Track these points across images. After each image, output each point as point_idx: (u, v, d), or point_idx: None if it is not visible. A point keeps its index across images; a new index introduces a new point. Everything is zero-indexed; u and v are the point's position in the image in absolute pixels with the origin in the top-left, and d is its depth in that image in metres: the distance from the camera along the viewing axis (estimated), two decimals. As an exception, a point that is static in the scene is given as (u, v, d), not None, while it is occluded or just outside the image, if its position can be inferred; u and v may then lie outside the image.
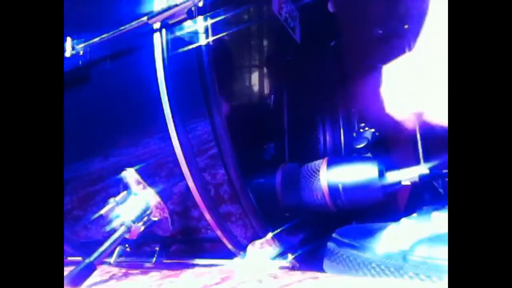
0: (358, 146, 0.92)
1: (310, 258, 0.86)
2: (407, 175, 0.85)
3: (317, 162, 0.91)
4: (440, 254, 0.59)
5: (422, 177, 0.84)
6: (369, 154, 0.93)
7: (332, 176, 0.86)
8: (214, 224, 0.79)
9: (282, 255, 0.81)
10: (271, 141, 1.27)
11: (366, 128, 0.96)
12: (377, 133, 0.95)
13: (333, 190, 0.85)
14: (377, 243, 0.68)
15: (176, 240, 0.88)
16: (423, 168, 0.85)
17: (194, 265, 0.86)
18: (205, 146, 0.76)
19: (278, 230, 0.82)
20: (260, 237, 0.80)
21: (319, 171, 0.88)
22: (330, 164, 0.88)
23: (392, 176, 0.85)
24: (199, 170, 0.76)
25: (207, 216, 0.78)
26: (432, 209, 0.76)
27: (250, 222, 0.79)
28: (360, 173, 0.85)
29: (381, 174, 0.84)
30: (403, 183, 0.85)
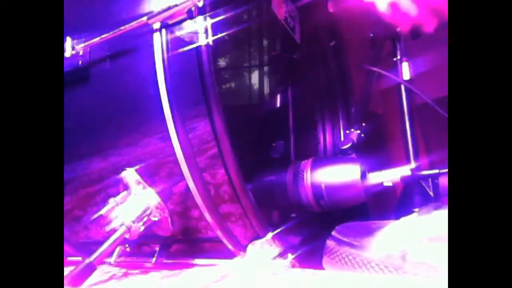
0: (344, 147, 0.94)
1: (310, 258, 0.86)
2: (389, 176, 0.86)
3: (303, 162, 0.92)
4: (440, 254, 0.59)
5: (404, 179, 0.86)
6: (353, 155, 0.94)
7: (316, 176, 0.88)
8: (214, 224, 0.79)
9: (282, 255, 0.81)
10: (279, 139, 1.28)
11: (352, 130, 0.98)
12: (362, 135, 0.97)
13: (316, 190, 0.87)
14: (377, 242, 0.68)
15: (176, 240, 0.88)
16: (405, 170, 0.86)
17: (194, 265, 0.86)
18: (205, 146, 0.76)
19: (278, 230, 0.82)
20: (260, 237, 0.80)
21: (304, 171, 0.89)
22: (314, 164, 0.90)
23: (374, 177, 0.86)
24: (199, 170, 0.76)
25: (207, 216, 0.78)
26: (433, 207, 0.76)
27: (250, 222, 0.79)
28: (342, 174, 0.87)
29: (363, 175, 0.85)
30: (385, 184, 0.86)
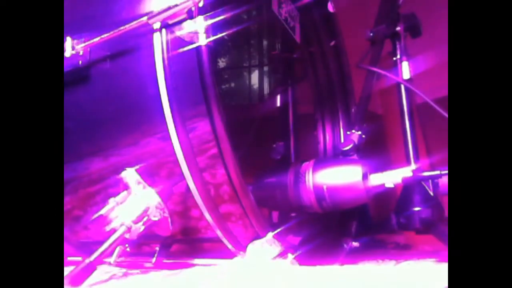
0: (345, 149, 0.94)
1: (310, 257, 0.86)
2: (391, 178, 0.86)
3: (304, 164, 0.92)
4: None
5: (405, 180, 0.86)
6: (354, 156, 0.94)
7: (317, 178, 0.88)
8: (214, 224, 0.79)
9: (282, 255, 0.81)
10: (280, 140, 1.28)
11: (353, 131, 0.98)
12: (363, 136, 0.97)
13: (318, 192, 0.87)
14: None
15: (176, 240, 0.88)
16: (406, 171, 0.86)
17: (194, 265, 0.86)
18: (205, 146, 0.76)
19: (278, 230, 0.82)
20: (260, 237, 0.80)
21: (305, 173, 0.89)
22: (316, 166, 0.90)
23: (375, 179, 0.86)
24: (199, 170, 0.76)
25: (207, 216, 0.78)
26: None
27: (250, 222, 0.79)
28: (344, 175, 0.87)
29: (365, 176, 0.85)
30: (387, 185, 0.86)
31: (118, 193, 0.77)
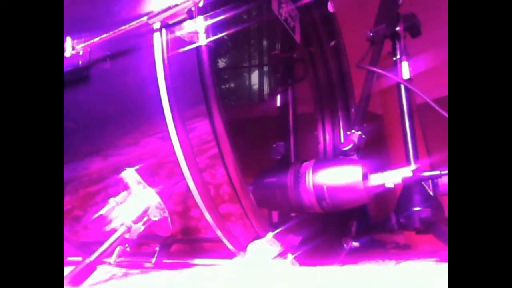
0: (345, 149, 0.94)
1: (310, 257, 0.86)
2: (391, 178, 0.86)
3: (304, 164, 0.92)
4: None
5: (406, 180, 0.86)
6: (355, 156, 0.94)
7: (317, 178, 0.88)
8: (214, 224, 0.79)
9: (282, 255, 0.81)
10: (280, 140, 1.28)
11: (353, 131, 0.98)
12: (363, 136, 0.97)
13: (318, 192, 0.87)
14: None
15: (176, 240, 0.88)
16: (406, 171, 0.87)
17: (194, 265, 0.86)
18: (205, 146, 0.76)
19: (278, 230, 0.82)
20: (260, 237, 0.80)
21: (305, 173, 0.90)
22: (316, 166, 0.90)
23: (376, 179, 0.86)
24: (199, 170, 0.76)
25: (207, 216, 0.78)
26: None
27: (250, 222, 0.79)
28: (344, 175, 0.87)
29: (365, 176, 0.85)
30: (387, 185, 0.86)
31: (118, 193, 0.77)
